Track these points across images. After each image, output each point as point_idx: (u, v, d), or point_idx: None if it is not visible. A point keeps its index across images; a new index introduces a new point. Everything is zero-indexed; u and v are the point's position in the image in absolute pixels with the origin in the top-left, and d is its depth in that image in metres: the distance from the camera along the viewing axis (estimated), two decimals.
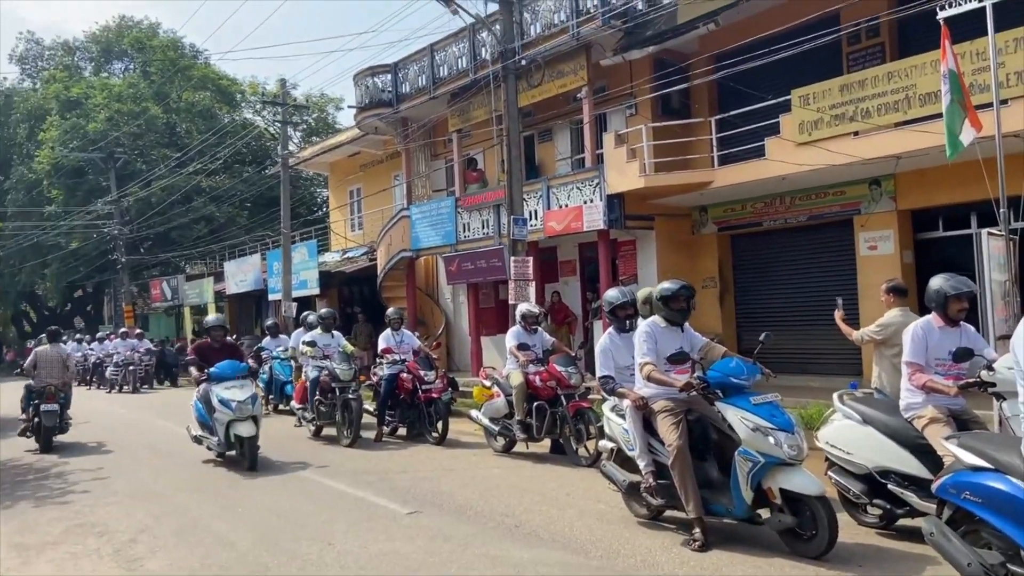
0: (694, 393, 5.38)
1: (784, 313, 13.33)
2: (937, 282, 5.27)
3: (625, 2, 13.18)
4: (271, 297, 23.20)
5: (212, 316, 9.93)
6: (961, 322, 5.28)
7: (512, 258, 13.22)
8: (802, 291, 13.15)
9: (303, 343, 11.83)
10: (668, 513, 5.85)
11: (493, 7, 13.93)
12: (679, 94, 14.15)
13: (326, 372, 11.05)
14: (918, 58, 10.04)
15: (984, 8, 7.30)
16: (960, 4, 7.43)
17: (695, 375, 5.46)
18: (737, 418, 5.14)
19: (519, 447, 9.37)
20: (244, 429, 9.08)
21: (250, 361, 10.26)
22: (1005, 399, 4.96)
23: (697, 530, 5.33)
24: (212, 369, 9.44)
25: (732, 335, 13.98)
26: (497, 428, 9.45)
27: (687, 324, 5.89)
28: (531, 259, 13.42)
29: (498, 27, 13.64)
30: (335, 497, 7.48)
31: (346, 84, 69.30)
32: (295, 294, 21.12)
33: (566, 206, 14.20)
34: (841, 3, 11.00)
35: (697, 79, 13.03)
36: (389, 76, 18.15)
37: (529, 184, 14.73)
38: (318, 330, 11.94)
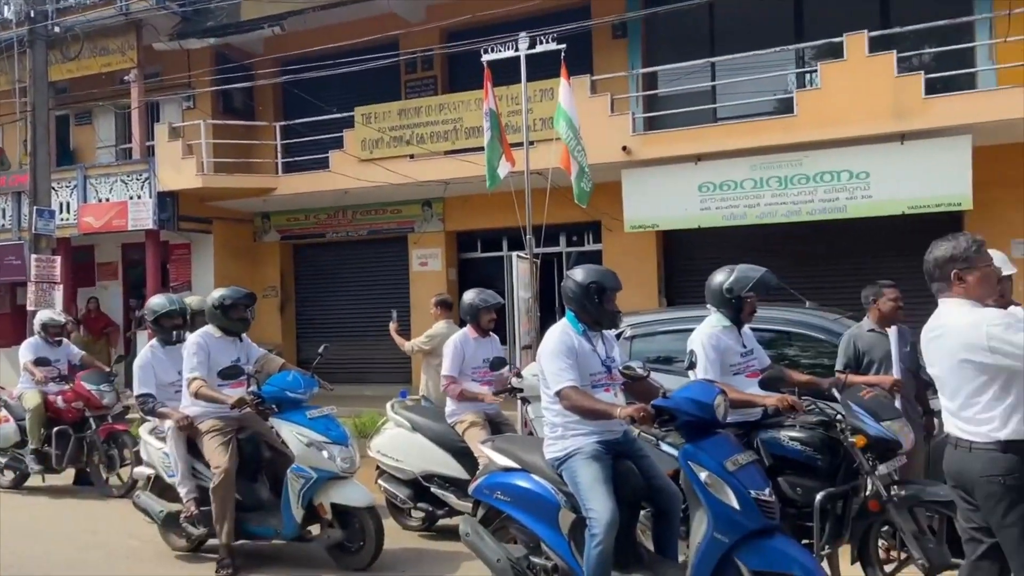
0: (247, 410, 5.06)
1: (344, 324, 13.59)
2: (469, 296, 5.83)
3: None
4: None
5: None
6: (490, 332, 5.89)
7: (34, 256, 11.22)
8: (361, 302, 13.55)
9: None
10: (211, 542, 5.38)
11: None
12: (242, 94, 13.60)
13: None
14: (466, 94, 11.14)
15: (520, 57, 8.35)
16: (500, 51, 8.39)
17: (249, 390, 5.13)
18: (292, 434, 4.96)
19: (34, 480, 7.89)
20: None
21: None
22: (530, 402, 5.66)
23: (227, 557, 5.01)
24: None
25: (292, 346, 13.80)
26: (5, 460, 7.86)
27: (245, 335, 5.54)
28: (59, 258, 11.56)
29: None
30: None
31: None
32: None
33: (107, 200, 12.56)
34: (398, 30, 11.71)
35: (262, 80, 12.68)
36: None
37: (61, 172, 12.77)
38: None
